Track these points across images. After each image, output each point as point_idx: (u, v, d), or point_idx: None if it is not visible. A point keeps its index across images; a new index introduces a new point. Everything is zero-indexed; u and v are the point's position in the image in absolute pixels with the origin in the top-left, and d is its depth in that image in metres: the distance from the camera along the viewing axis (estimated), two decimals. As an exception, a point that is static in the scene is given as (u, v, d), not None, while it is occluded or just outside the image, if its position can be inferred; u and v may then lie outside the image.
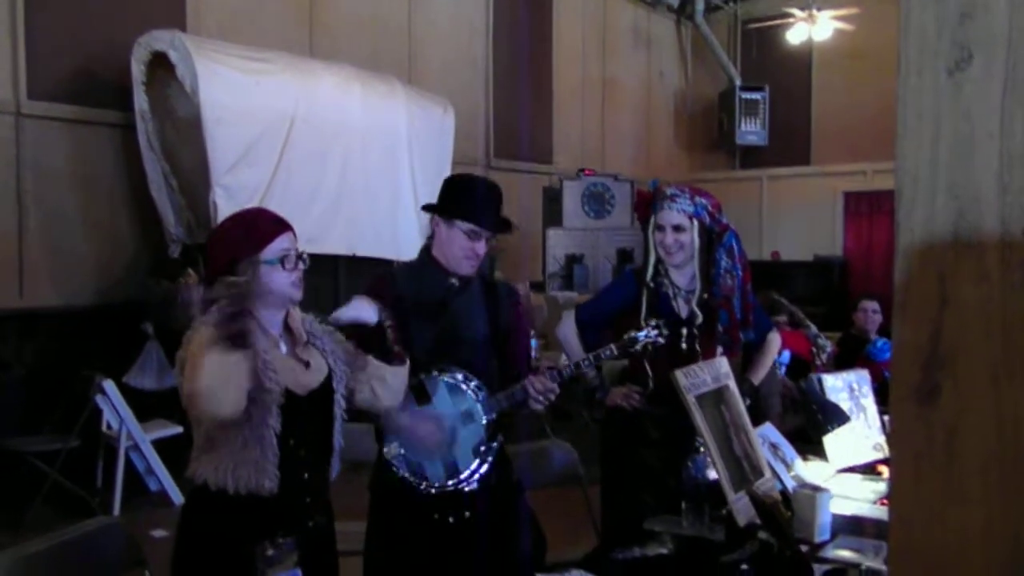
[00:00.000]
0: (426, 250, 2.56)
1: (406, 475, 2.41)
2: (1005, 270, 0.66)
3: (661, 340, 2.59)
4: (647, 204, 2.84)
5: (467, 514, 2.43)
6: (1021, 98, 0.66)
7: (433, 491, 2.40)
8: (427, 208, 2.57)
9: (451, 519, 2.42)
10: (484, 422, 2.41)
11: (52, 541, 2.17)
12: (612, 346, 2.59)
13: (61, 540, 2.20)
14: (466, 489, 2.42)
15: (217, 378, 1.77)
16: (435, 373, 2.41)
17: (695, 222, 2.77)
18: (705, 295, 2.81)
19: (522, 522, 2.61)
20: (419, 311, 2.46)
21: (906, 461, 0.71)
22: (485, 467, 2.42)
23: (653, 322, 2.61)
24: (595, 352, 2.59)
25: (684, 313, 2.83)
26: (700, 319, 2.79)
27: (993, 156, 0.67)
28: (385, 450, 2.43)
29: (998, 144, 0.67)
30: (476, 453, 2.42)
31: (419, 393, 2.40)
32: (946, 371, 0.69)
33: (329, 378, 2.12)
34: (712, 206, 2.80)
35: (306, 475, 2.06)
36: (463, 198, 2.49)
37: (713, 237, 2.80)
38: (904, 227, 0.71)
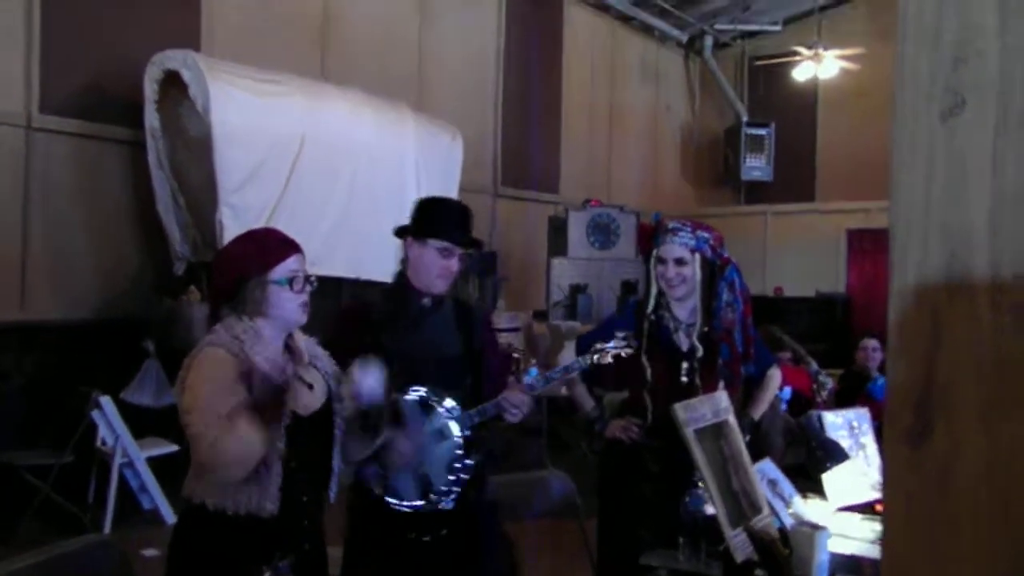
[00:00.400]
0: (400, 273, 2.59)
1: (380, 494, 2.40)
2: (996, 312, 0.67)
3: (630, 350, 2.61)
4: (650, 237, 2.86)
5: (443, 531, 2.43)
6: (1012, 142, 0.67)
7: (408, 510, 2.40)
8: (399, 232, 2.59)
9: (427, 538, 2.42)
10: (458, 439, 2.42)
11: (41, 556, 2.15)
12: (580, 359, 2.61)
13: (51, 556, 2.18)
14: (441, 507, 2.41)
15: (246, 454, 1.84)
16: (409, 393, 2.42)
17: (697, 255, 2.78)
18: (706, 328, 2.81)
19: (497, 542, 2.62)
20: (393, 331, 2.48)
21: (898, 501, 0.71)
22: (458, 485, 2.42)
23: (622, 334, 2.62)
24: (565, 365, 2.62)
25: (685, 346, 2.83)
26: (701, 352, 2.79)
27: (985, 199, 0.68)
28: (360, 470, 2.43)
29: (989, 187, 0.68)
30: (450, 470, 2.42)
31: (391, 412, 2.41)
32: (938, 412, 0.69)
33: (330, 399, 2.12)
34: (714, 240, 2.81)
35: (305, 498, 2.05)
36: (434, 218, 2.55)
37: (715, 271, 2.80)
38: (898, 268, 0.72)
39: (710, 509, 2.18)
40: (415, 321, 2.51)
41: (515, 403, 2.43)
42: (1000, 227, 0.66)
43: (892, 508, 0.71)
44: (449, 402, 2.43)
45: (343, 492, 2.55)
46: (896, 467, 0.71)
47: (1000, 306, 0.65)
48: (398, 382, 2.39)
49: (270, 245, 2.06)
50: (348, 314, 2.54)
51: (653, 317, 2.88)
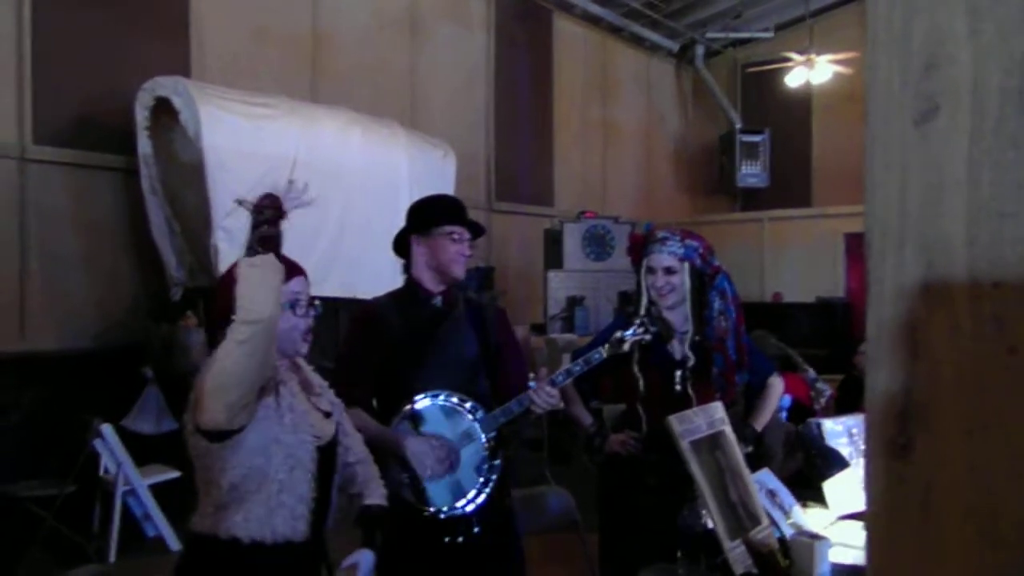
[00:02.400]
0: (407, 277, 2.59)
1: (412, 501, 2.39)
2: (976, 322, 0.65)
3: (648, 337, 2.61)
4: (640, 247, 2.85)
5: (476, 530, 2.43)
6: (987, 149, 0.66)
7: (442, 516, 2.40)
8: (399, 240, 2.58)
9: (460, 539, 2.42)
10: (484, 441, 2.41)
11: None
12: (601, 348, 2.59)
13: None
14: (471, 509, 2.41)
15: (252, 280, 1.78)
16: (428, 399, 2.41)
17: (686, 264, 2.77)
18: (698, 337, 2.80)
19: (519, 538, 2.63)
20: (407, 337, 2.47)
21: (881, 518, 0.69)
22: (489, 486, 2.42)
23: (639, 320, 2.61)
24: (585, 356, 2.58)
25: (678, 355, 2.82)
26: (693, 361, 2.78)
27: (961, 207, 0.66)
28: (389, 477, 2.42)
29: (966, 194, 0.66)
30: (479, 472, 2.42)
31: (414, 421, 2.40)
32: (920, 424, 0.67)
33: (337, 431, 2.10)
34: (703, 248, 2.81)
35: (313, 518, 2.03)
36: (434, 209, 2.58)
37: (705, 279, 2.80)
38: (874, 277, 0.70)
39: (708, 522, 2.16)
40: (429, 324, 2.50)
41: (544, 396, 2.42)
42: (978, 235, 0.64)
43: (875, 523, 0.69)
44: (471, 404, 2.42)
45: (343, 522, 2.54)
46: (878, 480, 0.69)
47: (980, 316, 0.64)
48: (418, 388, 2.40)
49: None
50: (361, 320, 2.54)
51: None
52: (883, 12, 0.74)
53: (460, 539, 2.42)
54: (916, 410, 0.67)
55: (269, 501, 1.87)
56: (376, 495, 2.19)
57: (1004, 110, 0.65)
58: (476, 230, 2.58)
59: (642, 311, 2.83)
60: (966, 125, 0.67)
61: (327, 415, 2.06)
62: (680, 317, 2.82)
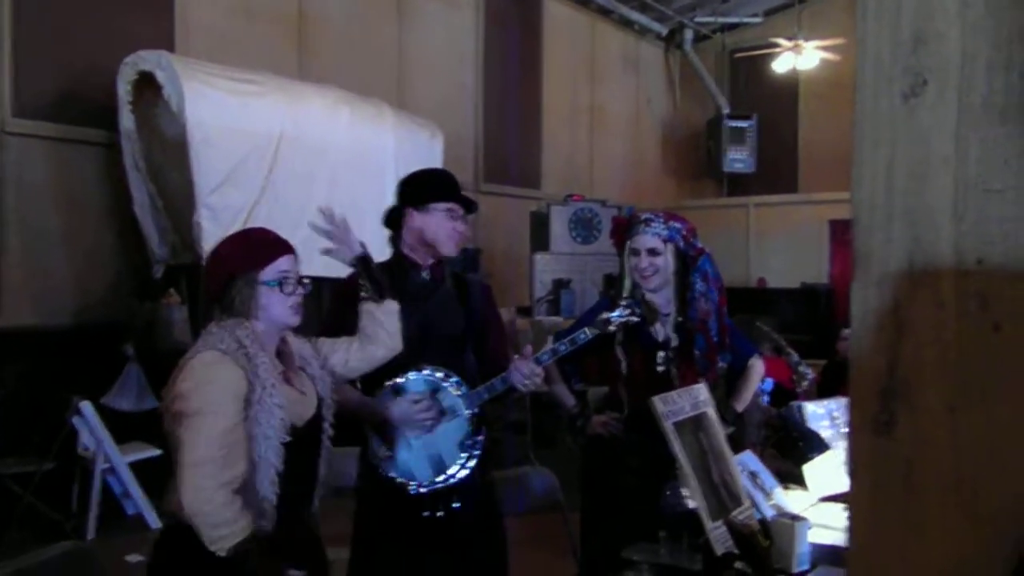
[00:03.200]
0: (395, 250, 2.58)
1: (394, 476, 2.38)
2: (960, 299, 0.65)
3: (635, 319, 2.59)
4: (623, 230, 2.84)
5: (456, 505, 2.43)
6: (975, 124, 0.66)
7: (423, 491, 2.40)
8: (391, 214, 2.57)
9: (440, 513, 2.42)
10: (467, 416, 2.41)
11: (19, 565, 2.11)
12: (586, 328, 2.57)
13: (28, 564, 2.14)
14: (453, 483, 2.41)
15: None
16: (412, 372, 2.40)
17: (669, 246, 2.78)
18: (680, 319, 2.80)
19: (501, 516, 2.63)
20: None
21: (864, 493, 0.69)
22: (472, 461, 2.42)
23: (625, 302, 2.61)
24: (571, 336, 2.57)
25: (661, 337, 2.82)
26: (676, 342, 2.79)
27: (948, 183, 0.66)
28: (370, 453, 2.41)
29: (953, 171, 0.66)
30: (462, 448, 2.42)
31: (397, 394, 2.39)
32: (903, 401, 0.67)
33: (319, 407, 2.08)
34: (686, 230, 2.81)
35: (296, 510, 2.01)
36: (431, 183, 2.57)
37: (687, 261, 2.80)
38: (861, 254, 0.70)
39: (691, 503, 2.17)
40: (415, 298, 2.48)
41: (526, 374, 2.41)
42: (964, 212, 0.64)
43: (857, 499, 0.69)
44: (455, 380, 2.42)
45: (350, 498, 2.55)
46: (861, 457, 0.69)
47: (965, 293, 0.64)
48: (403, 361, 2.39)
49: (260, 244, 2.02)
50: (347, 288, 2.51)
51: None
52: (873, -14, 0.73)
53: (440, 514, 2.42)
54: (899, 387, 0.67)
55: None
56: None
57: (992, 86, 0.65)
58: (470, 206, 2.57)
59: (624, 293, 2.83)
60: (954, 100, 0.67)
61: (302, 393, 2.04)
62: (663, 299, 2.83)
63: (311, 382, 2.09)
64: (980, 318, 0.64)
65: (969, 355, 0.65)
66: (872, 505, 0.68)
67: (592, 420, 2.88)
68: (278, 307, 1.97)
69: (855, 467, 0.69)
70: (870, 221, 0.70)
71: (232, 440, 1.82)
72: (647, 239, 2.77)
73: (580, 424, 2.90)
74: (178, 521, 1.87)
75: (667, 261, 2.77)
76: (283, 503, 1.94)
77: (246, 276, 1.95)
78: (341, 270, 6.63)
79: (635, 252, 2.79)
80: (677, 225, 2.79)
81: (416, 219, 2.51)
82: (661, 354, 2.79)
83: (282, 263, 1.99)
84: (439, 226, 2.48)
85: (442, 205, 2.49)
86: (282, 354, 2.06)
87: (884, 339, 0.68)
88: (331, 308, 2.64)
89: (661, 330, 2.83)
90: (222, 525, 1.78)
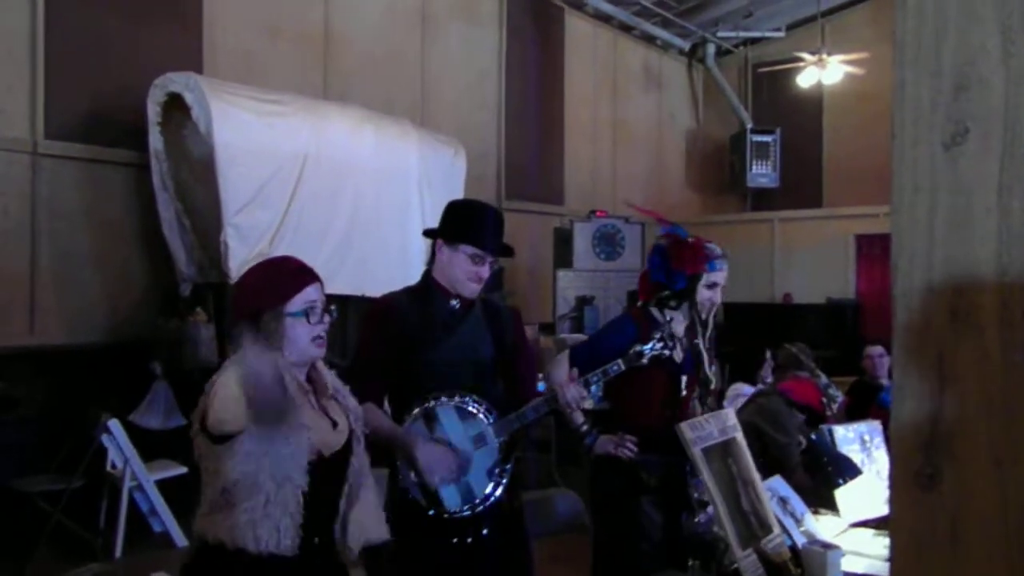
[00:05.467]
0: (427, 274, 2.58)
1: (422, 501, 2.39)
2: (1006, 350, 0.64)
3: (667, 352, 2.59)
4: (703, 259, 2.84)
5: (484, 531, 2.43)
6: (1019, 174, 0.64)
7: (450, 517, 2.40)
8: (429, 233, 2.59)
9: (469, 540, 2.42)
10: (497, 444, 2.40)
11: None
12: (620, 360, 2.56)
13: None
14: (481, 511, 2.41)
15: None
16: (444, 399, 2.40)
17: None
18: (696, 341, 2.86)
19: (529, 539, 2.62)
20: (424, 335, 2.47)
21: (908, 549, 0.68)
22: (500, 489, 2.41)
23: (658, 334, 2.60)
24: (604, 368, 2.56)
25: (679, 359, 2.82)
26: (705, 357, 2.84)
27: (991, 233, 0.65)
28: (400, 477, 2.41)
29: (996, 221, 0.65)
30: (491, 476, 2.41)
31: (428, 420, 2.39)
32: (947, 454, 0.66)
33: (349, 439, 2.08)
34: None
35: (316, 539, 2.00)
36: (468, 223, 2.53)
37: None
38: (901, 303, 0.69)
39: (718, 529, 2.15)
40: (446, 324, 2.49)
41: (575, 396, 2.42)
42: (1008, 264, 0.63)
43: (901, 555, 0.68)
44: (486, 407, 2.42)
45: None
46: (904, 511, 0.68)
47: (1010, 344, 0.63)
48: (434, 388, 2.38)
49: (286, 276, 2.01)
50: (378, 315, 2.52)
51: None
52: (912, 28, 0.72)
53: (469, 540, 2.41)
54: (943, 439, 0.65)
55: (256, 511, 1.86)
56: (375, 532, 2.16)
57: (1037, 135, 0.64)
58: (503, 252, 2.57)
59: (702, 318, 2.87)
60: (997, 149, 0.66)
61: (335, 424, 2.03)
62: (682, 325, 2.88)
63: (344, 414, 2.09)
64: (1026, 370, 0.63)
65: (1015, 407, 0.64)
66: (917, 561, 0.67)
67: (600, 440, 2.85)
68: (303, 338, 1.96)
69: (898, 523, 0.68)
70: (910, 270, 0.69)
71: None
72: (724, 275, 2.84)
73: (588, 442, 2.88)
74: (206, 542, 1.88)
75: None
76: (307, 528, 1.93)
77: (273, 310, 1.94)
78: (365, 289, 6.64)
79: (713, 285, 2.84)
80: None
81: (444, 254, 2.52)
82: (684, 378, 2.78)
83: (309, 293, 1.99)
84: (460, 268, 2.49)
85: (470, 249, 2.48)
86: (312, 381, 2.06)
87: (926, 390, 0.67)
88: (363, 337, 2.62)
89: (680, 354, 2.82)
90: None
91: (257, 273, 2.06)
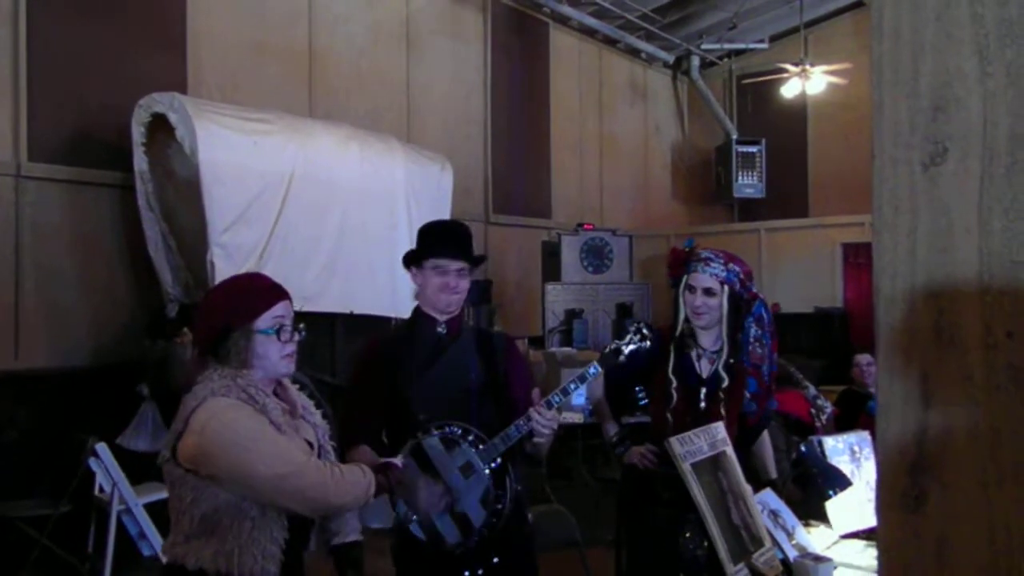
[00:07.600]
0: (416, 306, 2.61)
1: (423, 538, 2.37)
2: (990, 372, 0.64)
3: (647, 344, 2.55)
4: (681, 263, 2.82)
5: (495, 560, 2.41)
6: (999, 194, 0.64)
7: (454, 549, 2.38)
8: (404, 263, 2.60)
9: (480, 571, 2.41)
10: (486, 471, 2.39)
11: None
12: (594, 363, 2.53)
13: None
14: (482, 539, 2.38)
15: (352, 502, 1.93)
16: (432, 430, 2.39)
17: (725, 287, 2.75)
18: (732, 360, 2.78)
19: (536, 565, 2.63)
20: (409, 367, 2.47)
21: (895, 570, 0.67)
22: (496, 518, 2.39)
23: (633, 327, 2.57)
24: (579, 373, 2.53)
25: (706, 373, 2.79)
26: (727, 382, 2.75)
27: (972, 253, 0.65)
28: (398, 515, 2.40)
29: (976, 241, 0.65)
30: (485, 504, 2.39)
31: (416, 453, 2.37)
32: (933, 476, 0.66)
33: (319, 455, 2.06)
34: (744, 273, 2.79)
35: (294, 556, 1.99)
36: (427, 240, 2.56)
37: (741, 304, 2.78)
38: (884, 324, 0.69)
39: (707, 545, 2.14)
40: (433, 352, 2.50)
41: (545, 421, 2.37)
42: (990, 283, 0.63)
43: (890, 579, 0.67)
44: (474, 435, 2.40)
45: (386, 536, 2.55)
46: (891, 533, 0.67)
47: (993, 366, 0.62)
48: (418, 420, 2.37)
49: (255, 293, 2.00)
50: (365, 359, 2.57)
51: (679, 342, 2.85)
52: (888, 50, 0.72)
53: (480, 571, 2.40)
54: (929, 461, 0.65)
55: (240, 538, 1.84)
56: (351, 532, 2.17)
57: (1016, 155, 0.64)
58: (468, 258, 2.54)
59: (679, 327, 2.82)
60: (976, 170, 0.66)
61: (309, 444, 2.03)
62: (711, 337, 2.81)
63: (313, 430, 2.08)
64: (1011, 391, 0.63)
65: (1000, 429, 0.63)
66: (905, 585, 0.66)
67: (631, 450, 2.84)
68: (274, 356, 1.95)
69: (884, 544, 0.68)
70: (892, 291, 0.68)
71: (278, 436, 1.85)
72: (704, 278, 2.75)
73: (619, 453, 2.88)
74: (185, 568, 1.86)
75: (721, 302, 2.75)
76: (286, 551, 1.92)
77: (243, 328, 1.92)
78: (353, 306, 6.63)
79: (691, 289, 2.78)
80: (736, 268, 2.78)
81: (418, 277, 2.56)
82: (704, 390, 2.76)
83: (277, 309, 1.97)
84: (430, 284, 2.51)
85: (432, 262, 2.50)
86: (279, 398, 2.05)
87: (911, 412, 0.67)
88: (351, 380, 2.62)
89: (707, 367, 2.80)
90: (354, 485, 1.86)
91: (225, 290, 2.05)
